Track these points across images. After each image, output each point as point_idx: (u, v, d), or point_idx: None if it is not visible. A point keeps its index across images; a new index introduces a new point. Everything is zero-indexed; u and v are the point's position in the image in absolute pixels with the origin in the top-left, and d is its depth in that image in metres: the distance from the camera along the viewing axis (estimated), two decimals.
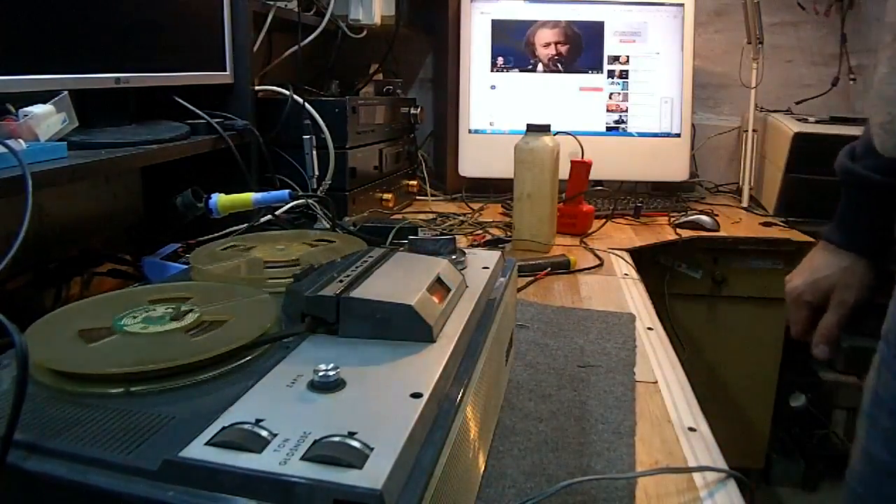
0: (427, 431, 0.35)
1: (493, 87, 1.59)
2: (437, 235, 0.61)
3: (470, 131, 1.60)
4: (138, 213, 1.10)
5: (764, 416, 1.51)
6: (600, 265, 1.09)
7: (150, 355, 0.39)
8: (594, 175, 1.53)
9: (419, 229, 1.12)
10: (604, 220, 1.36)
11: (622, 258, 1.15)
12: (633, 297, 0.95)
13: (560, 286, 1.00)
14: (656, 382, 0.69)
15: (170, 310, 0.46)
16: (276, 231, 0.73)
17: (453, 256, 0.58)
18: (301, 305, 0.44)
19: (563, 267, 1.06)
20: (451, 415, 0.37)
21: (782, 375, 1.50)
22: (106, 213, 1.04)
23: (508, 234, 1.23)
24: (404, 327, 0.42)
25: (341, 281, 0.46)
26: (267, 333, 0.43)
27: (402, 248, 0.58)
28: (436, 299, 0.46)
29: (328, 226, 1.11)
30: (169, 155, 0.86)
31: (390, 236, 0.92)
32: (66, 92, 0.82)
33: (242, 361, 0.40)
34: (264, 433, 0.31)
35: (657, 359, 0.75)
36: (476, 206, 1.54)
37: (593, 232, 1.32)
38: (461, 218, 1.34)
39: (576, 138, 1.31)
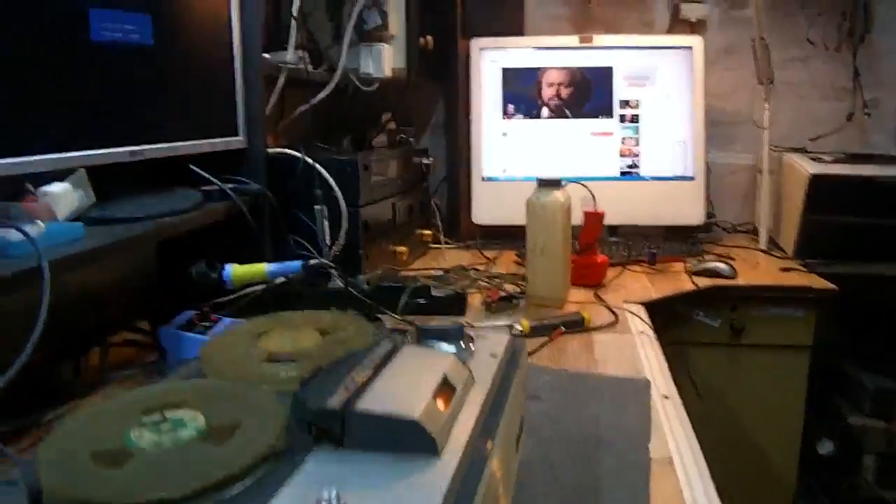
0: None
1: (504, 135, 1.59)
2: (444, 326, 0.60)
3: (483, 179, 1.61)
4: (152, 280, 1.11)
5: (790, 465, 1.47)
6: (615, 322, 1.08)
7: (175, 475, 0.39)
8: (609, 220, 1.52)
9: (431, 288, 1.12)
10: (619, 271, 1.35)
11: (637, 315, 1.13)
12: (649, 359, 0.94)
13: (574, 346, 0.99)
14: (671, 460, 0.68)
15: (177, 417, 0.46)
16: (288, 313, 0.72)
17: (461, 344, 0.57)
18: (307, 415, 0.44)
19: (577, 325, 1.05)
20: None
21: (808, 422, 1.47)
22: (121, 280, 1.05)
23: (522, 286, 1.22)
24: (409, 441, 0.42)
25: (347, 388, 0.45)
26: (276, 444, 0.43)
27: (409, 338, 0.58)
28: (441, 404, 0.46)
29: (342, 284, 1.11)
30: (185, 226, 0.87)
31: (401, 303, 0.93)
32: (82, 169, 0.84)
33: (259, 476, 0.40)
34: None
35: (672, 432, 0.74)
36: (491, 254, 1.54)
37: (608, 282, 1.31)
38: (472, 274, 1.34)
39: (587, 188, 1.31)
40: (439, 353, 0.52)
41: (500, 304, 1.16)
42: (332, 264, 0.96)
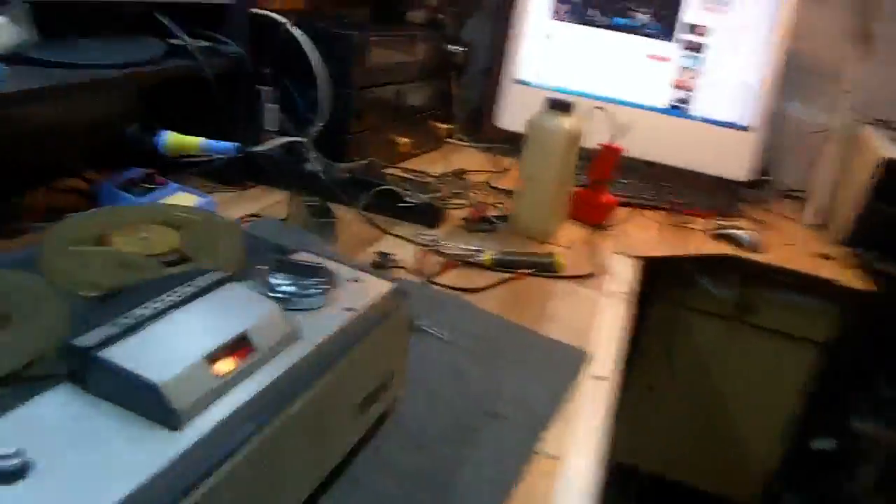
0: None
1: (548, 37, 1.42)
2: (307, 262, 0.53)
3: (514, 80, 1.45)
4: (106, 131, 1.06)
5: (771, 451, 1.39)
6: (590, 276, 0.98)
7: None
8: (644, 154, 1.37)
9: (406, 197, 1.04)
10: (631, 214, 1.23)
11: (624, 269, 1.02)
12: (607, 326, 0.85)
13: (532, 292, 0.90)
14: (557, 459, 0.61)
15: None
16: (148, 207, 0.65)
17: (315, 288, 0.50)
18: (61, 345, 0.39)
19: (547, 269, 0.96)
20: None
21: (807, 418, 1.36)
22: (65, 126, 1.00)
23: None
24: (149, 407, 0.36)
25: (116, 325, 0.39)
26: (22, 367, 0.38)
27: (266, 268, 0.51)
28: (221, 367, 0.39)
29: (319, 170, 1.05)
30: (125, 83, 0.80)
31: (362, 201, 0.84)
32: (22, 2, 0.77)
33: None
34: None
35: (585, 425, 0.66)
36: (509, 161, 1.42)
37: (614, 225, 1.19)
38: (467, 182, 1.23)
39: (614, 115, 1.15)
40: (260, 300, 0.45)
41: (479, 225, 1.07)
42: (267, 151, 0.87)
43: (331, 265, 0.56)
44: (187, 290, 0.44)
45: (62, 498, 0.31)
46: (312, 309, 0.49)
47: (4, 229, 0.79)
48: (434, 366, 0.70)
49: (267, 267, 0.51)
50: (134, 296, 0.43)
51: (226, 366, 0.40)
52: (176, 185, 0.90)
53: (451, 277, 0.91)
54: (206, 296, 0.44)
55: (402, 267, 0.90)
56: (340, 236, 0.97)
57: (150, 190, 0.88)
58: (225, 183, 1.03)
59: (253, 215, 0.97)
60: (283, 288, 0.49)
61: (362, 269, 0.57)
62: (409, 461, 0.56)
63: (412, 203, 1.03)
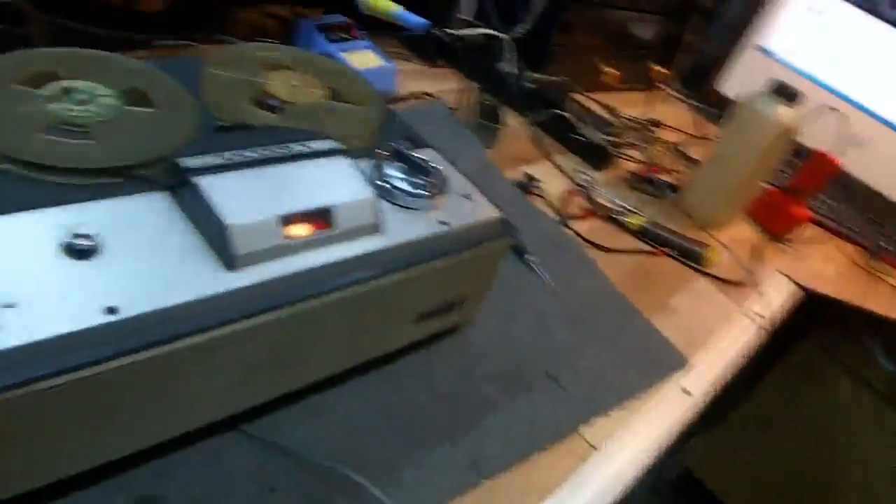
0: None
1: (819, 13, 1.21)
2: (424, 161, 0.51)
3: (757, 47, 1.28)
4: None
5: None
6: (738, 285, 0.88)
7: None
8: (866, 177, 1.18)
9: (579, 129, 0.98)
10: (823, 238, 1.07)
11: (779, 294, 0.91)
12: (721, 346, 0.77)
13: (665, 276, 0.84)
14: (595, 450, 0.58)
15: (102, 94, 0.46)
16: (314, 57, 0.64)
17: (423, 191, 0.49)
18: (168, 154, 0.42)
19: (693, 259, 0.87)
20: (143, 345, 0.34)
21: None
22: None
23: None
24: (217, 242, 0.39)
25: (222, 157, 0.42)
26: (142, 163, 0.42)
27: (387, 153, 0.51)
28: (292, 231, 0.41)
29: (509, 72, 1.01)
30: None
31: (533, 115, 0.81)
32: None
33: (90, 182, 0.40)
34: None
35: (644, 432, 0.62)
36: (711, 129, 1.28)
37: (794, 240, 1.05)
38: (652, 136, 1.13)
39: (845, 125, 0.98)
40: (360, 183, 0.45)
41: (644, 184, 0.99)
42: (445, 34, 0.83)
43: (451, 174, 0.54)
44: (299, 148, 0.45)
45: (110, 286, 0.35)
46: (409, 209, 0.49)
47: (206, 38, 0.85)
48: (523, 307, 0.68)
49: (388, 153, 0.51)
50: (252, 136, 0.45)
51: (298, 230, 0.41)
52: (367, 43, 0.91)
53: (588, 227, 0.86)
54: (313, 160, 0.45)
55: (543, 196, 0.87)
56: (500, 145, 0.94)
57: (344, 40, 0.90)
58: (417, 54, 1.04)
59: (427, 94, 0.96)
60: (392, 180, 0.49)
61: (480, 190, 0.55)
62: (447, 385, 0.56)
63: (583, 138, 0.97)
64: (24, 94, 0.43)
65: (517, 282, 0.71)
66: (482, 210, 0.53)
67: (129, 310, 0.34)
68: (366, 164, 0.50)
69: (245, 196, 0.40)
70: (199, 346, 0.36)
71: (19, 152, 0.39)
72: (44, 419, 0.33)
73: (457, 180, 0.54)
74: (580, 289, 0.74)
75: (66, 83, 0.45)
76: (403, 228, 0.47)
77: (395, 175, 0.50)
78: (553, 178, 0.93)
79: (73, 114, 0.43)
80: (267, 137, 0.45)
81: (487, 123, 0.93)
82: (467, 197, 0.53)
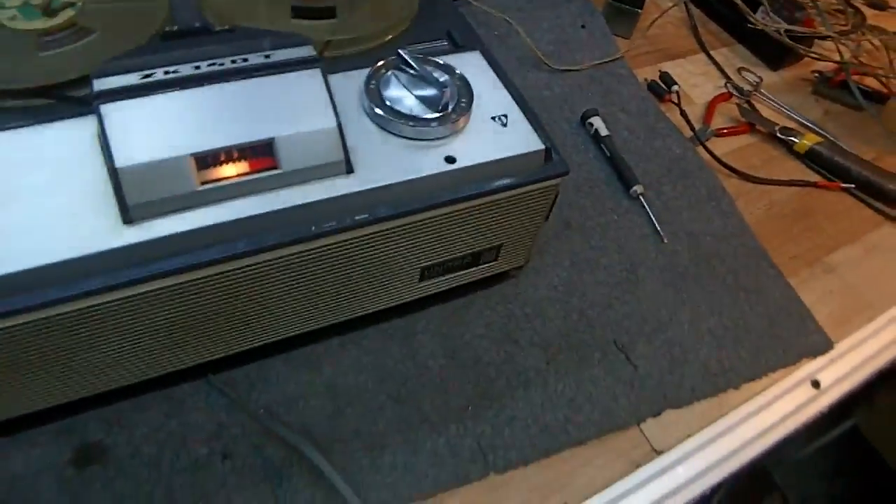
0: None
1: None
2: (440, 68, 0.38)
3: None
4: None
5: None
6: None
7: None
8: None
9: (750, 17, 0.76)
10: None
11: None
12: (891, 330, 0.56)
13: (833, 221, 0.63)
14: (656, 453, 0.45)
15: None
16: None
17: (429, 119, 0.38)
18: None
19: (882, 197, 0.64)
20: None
21: None
22: None
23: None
24: (115, 187, 0.32)
25: (140, 76, 0.33)
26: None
27: (400, 59, 0.39)
28: (213, 173, 0.32)
29: None
30: None
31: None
32: None
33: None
34: None
35: (738, 433, 0.47)
36: None
37: None
38: (843, 32, 0.83)
39: None
40: (327, 106, 0.35)
41: (835, 91, 0.74)
42: None
43: (487, 88, 0.41)
44: (258, 60, 0.36)
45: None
46: (409, 139, 0.38)
47: None
48: (610, 253, 0.54)
49: (403, 55, 0.39)
50: (206, 44, 0.36)
51: (222, 172, 0.33)
52: None
53: (734, 148, 0.67)
54: (273, 76, 0.35)
55: (677, 104, 0.68)
56: (636, 33, 0.75)
57: None
58: None
59: None
60: (391, 98, 0.38)
61: (529, 111, 0.41)
62: (473, 349, 0.46)
63: (757, 27, 0.74)
64: None
65: (612, 220, 0.57)
66: (520, 140, 0.40)
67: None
68: (350, 77, 0.39)
69: (157, 129, 0.32)
70: (83, 310, 0.31)
71: None
72: None
73: (495, 97, 0.41)
74: (698, 233, 0.58)
75: None
76: (388, 167, 0.36)
77: (396, 93, 0.38)
78: (702, 78, 0.73)
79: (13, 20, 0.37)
80: (224, 46, 0.36)
81: (623, 6, 0.73)
82: (503, 122, 0.40)
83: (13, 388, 0.34)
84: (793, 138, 0.67)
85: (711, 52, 0.76)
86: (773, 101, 0.72)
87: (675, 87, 0.69)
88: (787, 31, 0.72)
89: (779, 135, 0.67)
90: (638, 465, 0.44)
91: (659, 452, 0.45)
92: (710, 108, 0.69)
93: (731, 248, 0.57)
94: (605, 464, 0.44)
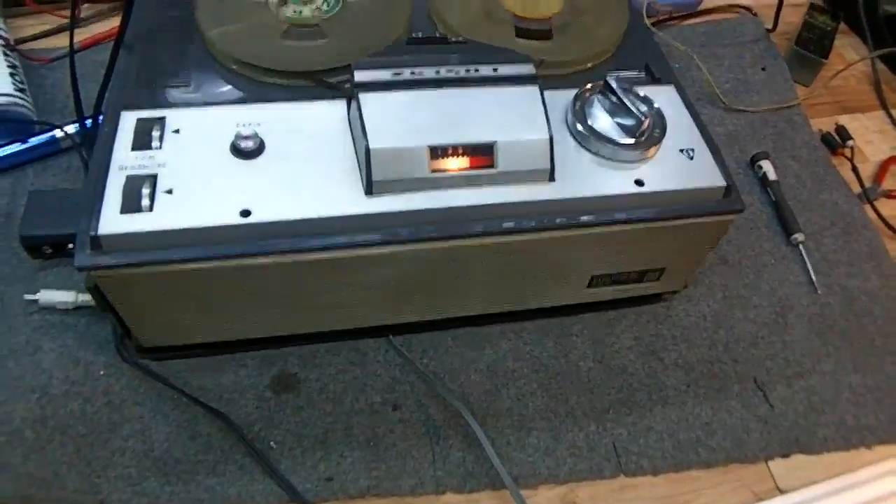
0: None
1: None
2: (638, 99, 0.42)
3: None
4: None
5: None
6: None
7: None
8: None
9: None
10: None
11: None
12: None
13: None
14: (780, 492, 0.46)
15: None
16: None
17: (626, 143, 0.42)
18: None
19: None
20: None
21: None
22: None
23: None
24: (363, 162, 0.38)
25: (396, 74, 0.40)
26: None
27: (607, 83, 0.43)
28: (441, 164, 0.38)
29: None
30: None
31: None
32: None
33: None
34: None
35: (876, 482, 0.48)
36: None
37: None
38: None
39: None
40: (542, 122, 0.39)
41: None
42: None
43: (679, 122, 0.45)
44: (487, 72, 0.41)
45: (253, 190, 0.37)
46: (605, 158, 0.42)
47: None
48: (763, 294, 0.56)
49: (610, 83, 0.43)
50: (441, 53, 0.42)
51: (449, 164, 0.38)
52: None
53: None
54: (498, 87, 0.40)
55: (850, 159, 0.67)
56: (818, 82, 0.75)
57: None
58: None
59: (741, 6, 0.80)
60: (593, 120, 0.42)
61: (715, 149, 0.44)
62: (622, 359, 0.50)
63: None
64: (258, 5, 0.46)
65: (769, 262, 0.58)
66: (701, 173, 0.43)
67: (259, 215, 0.36)
68: (561, 95, 0.43)
69: (402, 119, 0.38)
70: (319, 262, 0.37)
71: (260, 59, 0.42)
72: (191, 292, 0.38)
73: (685, 131, 0.45)
74: (854, 289, 0.58)
75: None
76: (584, 181, 0.40)
77: (598, 116, 0.43)
78: (878, 136, 0.72)
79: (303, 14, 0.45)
80: (457, 56, 0.42)
81: (808, 54, 0.74)
82: (688, 154, 0.44)
83: (244, 316, 0.41)
84: None
85: (893, 112, 0.74)
86: None
87: (850, 142, 0.69)
88: None
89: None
90: (760, 500, 0.46)
91: (782, 491, 0.47)
92: (884, 167, 0.68)
93: (886, 311, 0.57)
94: (728, 491, 0.46)
